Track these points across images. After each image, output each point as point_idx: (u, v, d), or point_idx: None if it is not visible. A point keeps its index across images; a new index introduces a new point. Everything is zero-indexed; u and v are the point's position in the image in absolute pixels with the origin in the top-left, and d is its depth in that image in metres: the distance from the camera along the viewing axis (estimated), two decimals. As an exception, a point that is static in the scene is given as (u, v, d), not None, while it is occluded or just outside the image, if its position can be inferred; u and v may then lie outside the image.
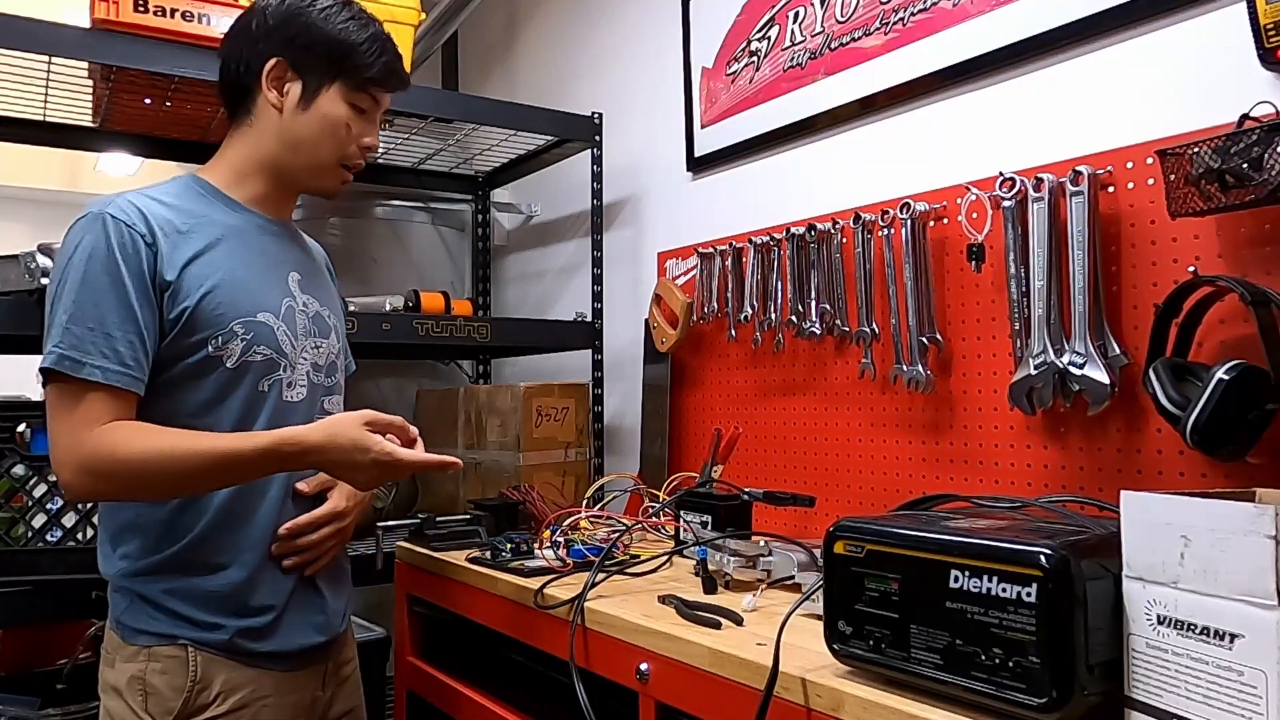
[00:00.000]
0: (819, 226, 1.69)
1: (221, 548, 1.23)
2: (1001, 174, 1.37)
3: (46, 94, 1.99)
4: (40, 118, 2.14)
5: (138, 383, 1.15)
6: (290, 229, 1.40)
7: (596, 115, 2.32)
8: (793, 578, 1.29)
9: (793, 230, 1.74)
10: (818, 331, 1.69)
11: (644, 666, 1.14)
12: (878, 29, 1.70)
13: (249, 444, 1.15)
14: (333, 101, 1.27)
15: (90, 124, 2.19)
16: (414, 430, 1.23)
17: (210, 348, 1.20)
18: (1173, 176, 1.13)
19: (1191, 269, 1.18)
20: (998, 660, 0.80)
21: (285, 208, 1.38)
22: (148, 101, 2.04)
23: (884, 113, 1.71)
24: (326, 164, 1.30)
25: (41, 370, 1.14)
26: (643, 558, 1.48)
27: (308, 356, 1.31)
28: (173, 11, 1.76)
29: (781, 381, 1.82)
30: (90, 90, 2.00)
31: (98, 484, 1.13)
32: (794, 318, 1.74)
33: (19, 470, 1.70)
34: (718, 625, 1.13)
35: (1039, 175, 1.32)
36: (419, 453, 1.21)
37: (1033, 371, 1.31)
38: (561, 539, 1.50)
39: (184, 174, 1.30)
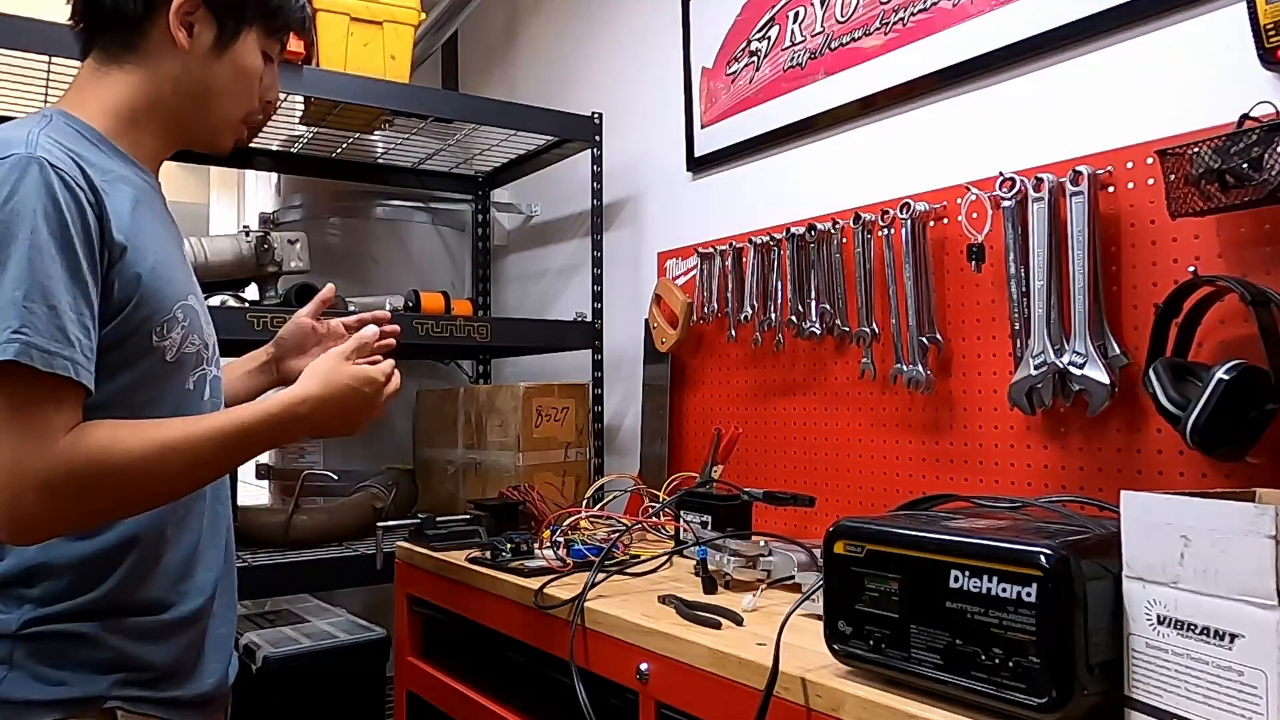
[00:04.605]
0: (819, 226, 1.69)
1: (157, 579, 1.04)
2: (1001, 174, 1.37)
3: (46, 94, 1.98)
4: (40, 118, 2.14)
5: (93, 379, 0.92)
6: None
7: (596, 115, 2.32)
8: (793, 578, 1.29)
9: (793, 230, 1.74)
10: (818, 331, 1.69)
11: (644, 666, 1.14)
12: (878, 29, 1.70)
13: (252, 414, 0.98)
14: (250, 50, 1.09)
15: (90, 124, 2.19)
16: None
17: (155, 336, 0.99)
18: (1173, 176, 1.13)
19: (1191, 269, 1.18)
20: (998, 660, 0.80)
21: (159, 165, 1.14)
22: (148, 101, 2.04)
23: (884, 113, 1.71)
24: (232, 120, 1.11)
25: None
26: (643, 558, 1.48)
27: (213, 346, 1.15)
28: (173, 11, 1.76)
29: (781, 381, 1.82)
30: (90, 90, 2.00)
31: (68, 506, 0.89)
32: (794, 318, 1.74)
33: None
34: (718, 625, 1.13)
35: (1039, 175, 1.32)
36: (386, 363, 1.09)
37: (1033, 371, 1.31)
38: (561, 539, 1.50)
39: (51, 110, 1.02)
